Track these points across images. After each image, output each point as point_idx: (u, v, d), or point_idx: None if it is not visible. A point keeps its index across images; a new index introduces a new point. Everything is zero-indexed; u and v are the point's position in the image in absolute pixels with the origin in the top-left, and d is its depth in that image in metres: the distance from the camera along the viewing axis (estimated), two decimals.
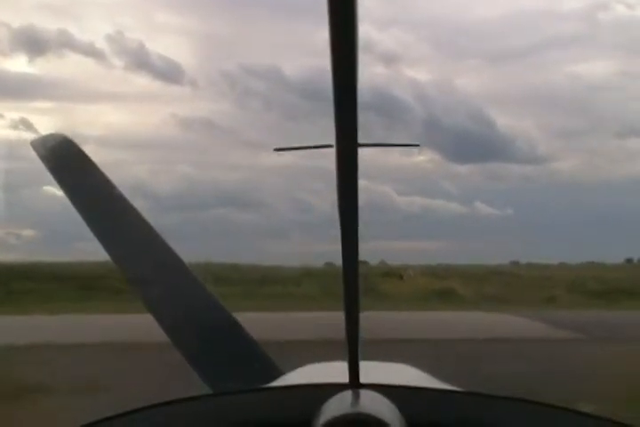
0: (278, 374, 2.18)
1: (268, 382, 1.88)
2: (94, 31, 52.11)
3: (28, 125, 42.03)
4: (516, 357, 11.90)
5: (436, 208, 51.06)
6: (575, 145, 54.81)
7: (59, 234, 40.97)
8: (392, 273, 32.67)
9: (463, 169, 60.40)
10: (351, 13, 0.55)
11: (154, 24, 53.36)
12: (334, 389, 1.22)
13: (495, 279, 30.33)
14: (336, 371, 1.45)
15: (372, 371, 1.36)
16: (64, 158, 2.85)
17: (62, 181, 2.75)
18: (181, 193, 47.99)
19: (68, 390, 9.30)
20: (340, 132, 0.66)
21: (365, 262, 38.64)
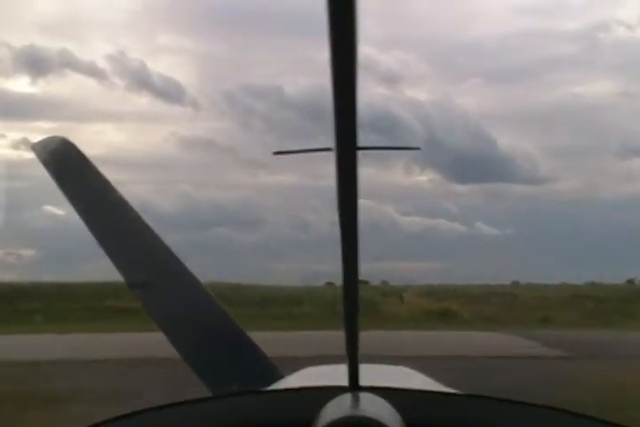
0: (278, 376, 2.27)
1: (268, 384, 1.93)
2: (96, 51, 53.72)
3: (29, 145, 43.02)
4: (500, 371, 13.05)
5: (437, 228, 51.75)
6: (576, 165, 56.03)
7: (59, 254, 41.73)
8: (392, 294, 33.65)
9: (464, 189, 60.93)
10: (351, 16, 0.55)
11: (155, 44, 54.99)
12: (334, 392, 1.24)
13: (493, 300, 31.30)
14: (336, 374, 1.48)
15: (371, 374, 1.38)
16: (64, 161, 2.90)
17: (62, 184, 2.79)
18: (182, 212, 48.88)
19: (93, 398, 10.43)
20: (340, 135, 0.66)
21: (367, 283, 39.59)
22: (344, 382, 1.24)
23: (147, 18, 57.79)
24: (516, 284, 43.21)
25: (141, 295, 2.60)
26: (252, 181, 52.62)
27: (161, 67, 59.21)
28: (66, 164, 2.91)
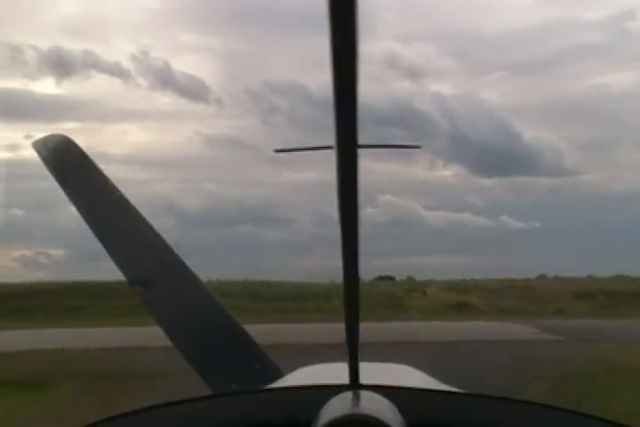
0: (278, 375, 2.40)
1: (268, 383, 2.05)
2: (120, 51, 55.99)
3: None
4: (493, 351, 16.76)
5: (462, 222, 53.94)
6: (602, 157, 57.51)
7: (88, 253, 44.96)
8: (416, 289, 37.12)
9: (489, 183, 62.94)
10: (351, 15, 0.59)
11: (178, 43, 57.83)
12: (334, 390, 1.30)
13: (512, 293, 34.61)
14: (336, 372, 1.58)
15: (372, 372, 1.45)
16: (65, 159, 3.00)
17: (63, 182, 2.89)
18: (207, 210, 51.92)
19: (165, 374, 14.17)
20: (340, 133, 0.70)
21: (393, 278, 42.95)
22: (344, 380, 1.32)
23: (169, 17, 60.60)
24: (542, 277, 45.79)
25: (143, 294, 2.72)
26: (277, 179, 54.92)
27: (184, 65, 61.28)
28: (66, 162, 3.01)
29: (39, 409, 11.26)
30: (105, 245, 2.74)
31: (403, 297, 34.07)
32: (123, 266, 2.73)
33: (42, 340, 19.72)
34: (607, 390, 11.71)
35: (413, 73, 65.91)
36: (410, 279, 42.93)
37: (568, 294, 34.25)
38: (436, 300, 34.14)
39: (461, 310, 31.49)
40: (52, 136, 3.14)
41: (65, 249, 47.87)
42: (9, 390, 12.38)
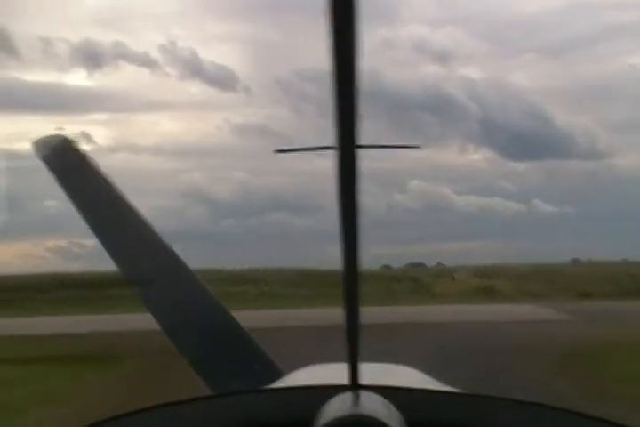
0: (279, 375, 2.49)
1: (269, 383, 2.13)
2: (148, 42, 59.93)
3: (87, 138, 46.01)
4: (504, 329, 19.24)
5: (493, 207, 55.46)
6: (635, 139, 59.09)
7: None
8: (446, 275, 39.37)
9: (520, 167, 65.07)
10: (351, 15, 0.61)
11: (206, 33, 59.70)
12: (334, 390, 1.33)
13: (539, 277, 36.52)
14: (336, 372, 1.60)
15: (371, 372, 1.47)
16: (65, 159, 3.14)
17: (63, 182, 3.03)
18: (238, 199, 54.18)
19: None
20: (341, 133, 0.73)
21: (423, 264, 44.88)
22: (344, 380, 1.35)
23: (197, 7, 62.76)
24: (575, 261, 46.94)
25: (141, 293, 2.84)
26: (307, 166, 56.31)
27: (213, 55, 63.14)
28: (66, 161, 3.14)
29: (113, 379, 13.79)
30: (104, 244, 2.88)
31: (432, 283, 36.36)
32: (121, 265, 2.86)
33: (95, 325, 22.43)
34: (591, 363, 13.71)
35: (442, 57, 66.91)
36: (439, 265, 44.86)
37: (597, 277, 35.98)
38: (463, 285, 36.30)
39: (488, 294, 33.58)
40: (53, 136, 3.27)
41: (97, 239, 49.73)
42: (83, 364, 14.98)
